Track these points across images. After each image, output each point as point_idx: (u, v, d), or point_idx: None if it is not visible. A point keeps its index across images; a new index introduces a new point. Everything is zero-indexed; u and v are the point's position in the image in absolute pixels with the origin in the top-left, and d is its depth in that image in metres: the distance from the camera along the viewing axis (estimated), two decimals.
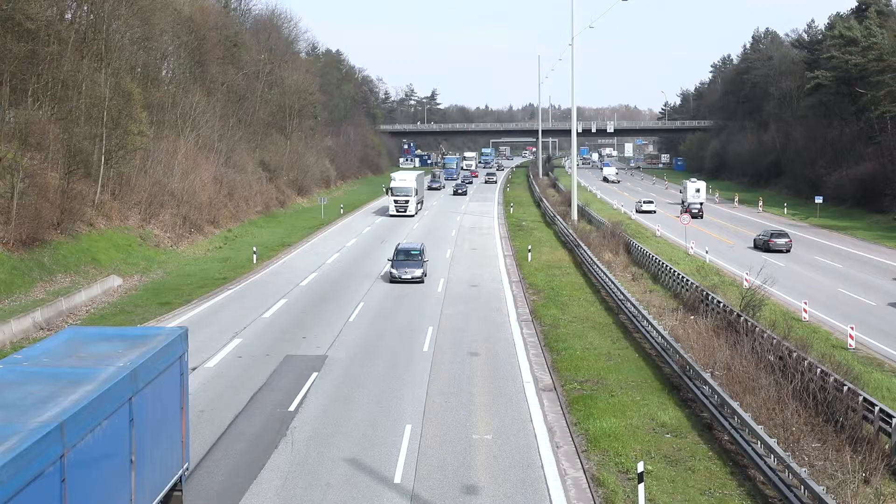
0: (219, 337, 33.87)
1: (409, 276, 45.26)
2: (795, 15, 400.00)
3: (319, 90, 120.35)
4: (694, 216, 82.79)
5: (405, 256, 46.18)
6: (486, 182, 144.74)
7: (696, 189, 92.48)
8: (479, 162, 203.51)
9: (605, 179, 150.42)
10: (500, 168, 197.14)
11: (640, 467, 18.94)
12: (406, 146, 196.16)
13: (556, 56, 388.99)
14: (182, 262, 53.05)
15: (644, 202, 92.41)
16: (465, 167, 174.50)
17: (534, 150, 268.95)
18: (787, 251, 61.26)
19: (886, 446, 21.80)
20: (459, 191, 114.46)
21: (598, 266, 47.78)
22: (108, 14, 58.02)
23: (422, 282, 45.84)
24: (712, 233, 73.11)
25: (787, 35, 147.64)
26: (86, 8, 59.13)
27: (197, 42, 75.95)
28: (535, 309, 40.38)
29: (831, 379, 24.93)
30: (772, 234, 63.71)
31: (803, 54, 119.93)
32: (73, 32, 55.44)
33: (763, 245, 62.70)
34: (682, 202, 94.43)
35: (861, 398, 23.44)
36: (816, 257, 59.43)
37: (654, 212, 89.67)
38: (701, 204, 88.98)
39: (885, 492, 19.90)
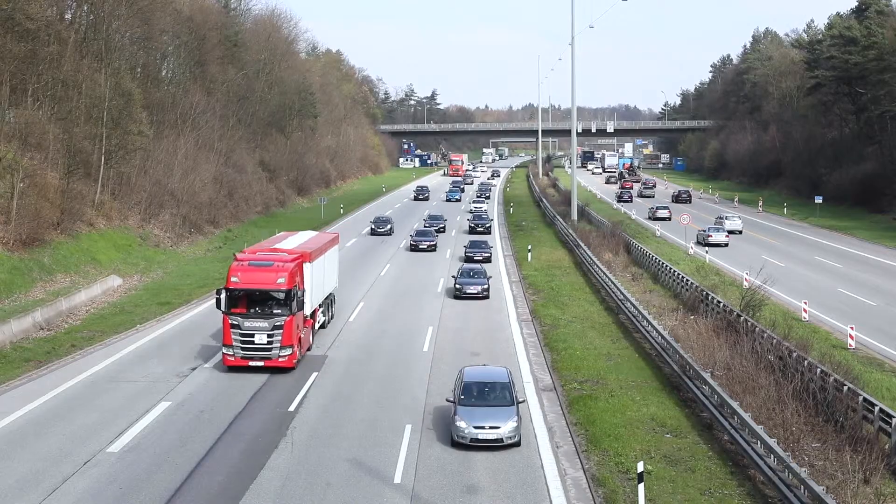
0: (218, 337, 33.77)
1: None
2: (795, 15, 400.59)
3: (319, 90, 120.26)
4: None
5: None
6: None
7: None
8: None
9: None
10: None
11: (640, 467, 18.95)
12: (406, 146, 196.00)
13: (556, 56, 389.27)
14: (182, 262, 53.02)
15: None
16: None
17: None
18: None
19: (886, 446, 21.79)
20: None
21: (598, 266, 47.77)
22: (108, 14, 58.02)
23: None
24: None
25: (787, 35, 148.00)
26: (86, 8, 59.17)
27: (197, 42, 75.88)
28: (535, 309, 40.38)
29: (831, 379, 24.93)
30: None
31: (803, 54, 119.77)
32: (73, 32, 55.47)
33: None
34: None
35: (861, 398, 23.44)
36: (816, 257, 59.44)
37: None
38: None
39: (885, 492, 19.88)
